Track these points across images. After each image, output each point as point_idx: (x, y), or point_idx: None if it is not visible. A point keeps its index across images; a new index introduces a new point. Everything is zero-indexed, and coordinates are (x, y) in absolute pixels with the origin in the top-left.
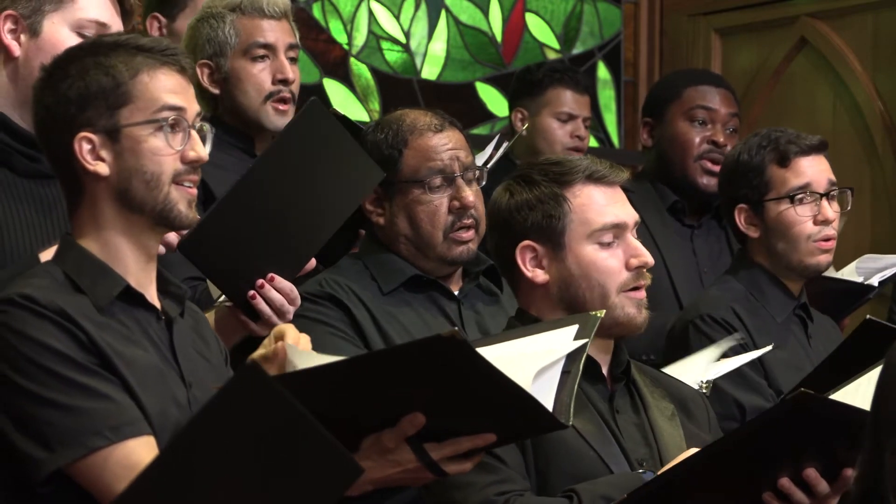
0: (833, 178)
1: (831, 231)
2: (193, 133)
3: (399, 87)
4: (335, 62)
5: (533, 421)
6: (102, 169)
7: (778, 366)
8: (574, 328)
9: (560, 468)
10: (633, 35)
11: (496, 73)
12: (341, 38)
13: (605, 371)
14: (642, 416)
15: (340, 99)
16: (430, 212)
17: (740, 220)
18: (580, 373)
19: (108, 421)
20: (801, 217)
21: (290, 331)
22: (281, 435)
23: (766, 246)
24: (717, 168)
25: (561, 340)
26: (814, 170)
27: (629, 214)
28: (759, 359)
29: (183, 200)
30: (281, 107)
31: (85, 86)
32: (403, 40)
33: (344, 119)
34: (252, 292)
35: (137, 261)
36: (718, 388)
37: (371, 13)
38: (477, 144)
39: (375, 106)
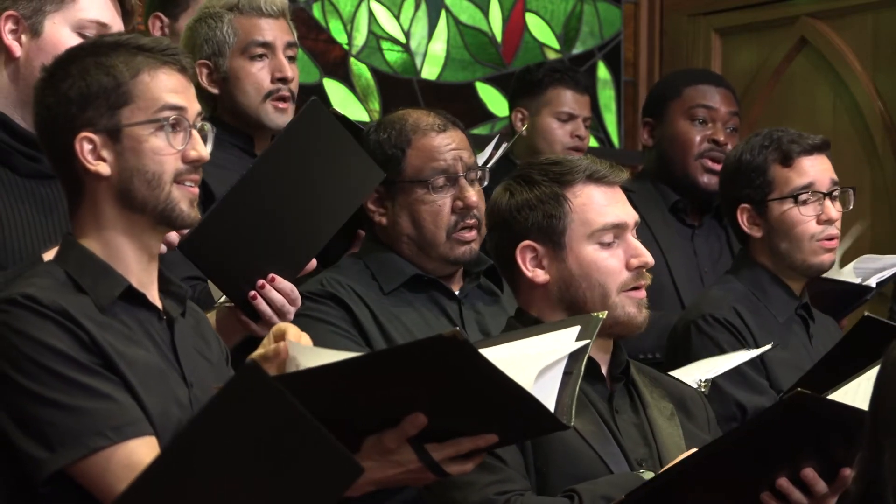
0: (835, 177)
1: (834, 230)
2: (194, 132)
3: (399, 87)
4: (335, 62)
5: (534, 422)
6: (103, 169)
7: (779, 366)
8: (576, 329)
9: (560, 468)
10: (633, 35)
11: (496, 73)
12: (341, 38)
13: (604, 371)
14: (641, 416)
15: (340, 99)
16: (433, 212)
17: (743, 220)
18: (582, 374)
19: (109, 421)
20: (805, 217)
21: (291, 329)
22: (281, 435)
23: (768, 245)
24: (717, 166)
25: (563, 341)
26: (816, 169)
27: (629, 214)
28: (761, 359)
29: (185, 200)
30: (281, 105)
31: (86, 86)
32: (403, 40)
33: (344, 119)
34: (253, 292)
35: (139, 260)
36: (719, 389)
37: (371, 13)
38: (477, 144)
39: (375, 106)
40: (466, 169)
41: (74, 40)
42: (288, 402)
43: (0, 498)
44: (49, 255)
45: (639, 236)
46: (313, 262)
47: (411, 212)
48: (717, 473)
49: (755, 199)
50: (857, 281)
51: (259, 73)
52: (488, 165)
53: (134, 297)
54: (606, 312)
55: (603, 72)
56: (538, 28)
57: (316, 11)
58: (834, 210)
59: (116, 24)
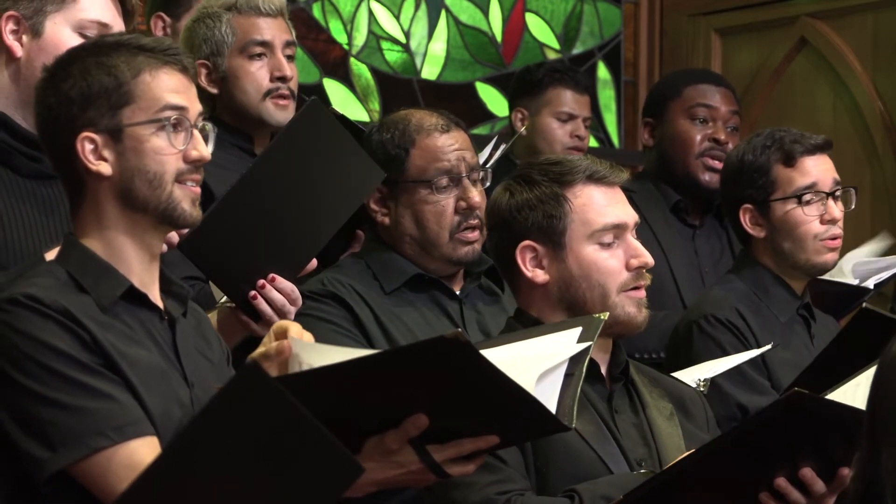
0: (837, 177)
1: (838, 230)
2: (196, 132)
3: (399, 87)
4: (335, 62)
5: (536, 423)
6: (105, 169)
7: (781, 366)
8: (577, 331)
9: (559, 468)
10: (633, 35)
11: (496, 73)
12: (341, 38)
13: (603, 371)
14: (641, 416)
15: (340, 99)
16: (436, 212)
17: (745, 220)
18: (583, 375)
19: (111, 421)
20: (809, 217)
21: (293, 326)
22: (281, 434)
23: (771, 245)
24: (718, 165)
25: (564, 343)
26: (819, 169)
27: (629, 215)
28: (763, 360)
29: (186, 199)
30: (281, 101)
31: (87, 86)
32: (403, 40)
33: (343, 119)
34: (253, 292)
35: (141, 260)
36: (721, 390)
37: (371, 13)
38: (477, 144)
39: (375, 106)
40: (470, 169)
41: (75, 40)
42: (288, 401)
43: (1, 498)
44: (51, 255)
45: (640, 236)
46: (314, 262)
47: (414, 212)
48: (715, 473)
49: (758, 199)
50: (856, 282)
51: (258, 73)
52: (487, 166)
53: (135, 297)
54: (608, 314)
55: (603, 72)
56: (538, 28)
57: (316, 11)
58: (837, 210)
59: (117, 25)
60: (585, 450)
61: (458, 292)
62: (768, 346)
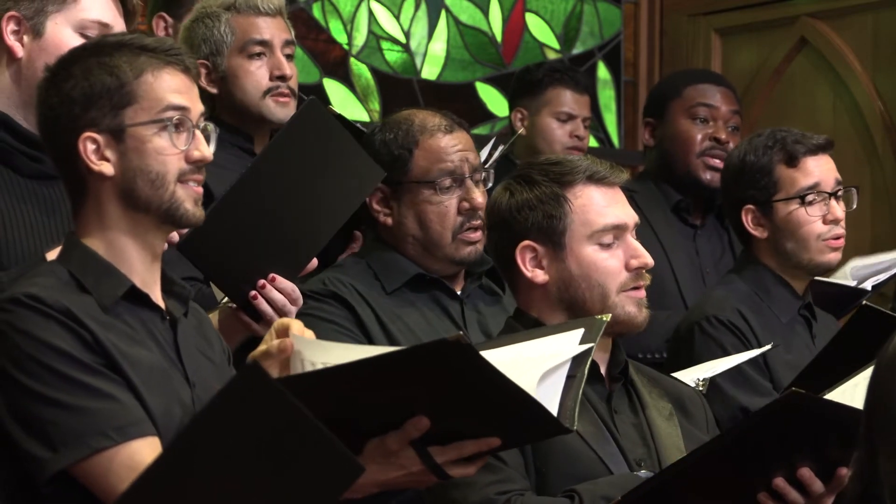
0: (839, 176)
1: (840, 230)
2: (198, 133)
3: (399, 87)
4: (335, 62)
5: (537, 426)
6: (107, 169)
7: (783, 368)
8: (580, 332)
9: (559, 468)
10: (633, 35)
11: (496, 73)
12: (341, 38)
13: (603, 371)
14: (640, 416)
15: (340, 99)
16: (439, 212)
17: (747, 220)
18: (585, 377)
19: (112, 421)
20: (812, 217)
21: (295, 323)
22: (282, 434)
23: (773, 246)
24: (719, 164)
25: (566, 344)
26: (822, 169)
27: (629, 215)
28: (764, 361)
29: (189, 199)
30: (281, 98)
31: (89, 86)
32: (403, 40)
33: (341, 119)
34: (253, 292)
35: (143, 260)
36: (723, 392)
37: (371, 13)
38: (477, 144)
39: (375, 106)
40: (472, 170)
41: (76, 41)
42: (288, 401)
43: (2, 497)
44: (51, 255)
45: (641, 236)
46: (314, 262)
47: (417, 212)
48: (714, 473)
49: (760, 199)
50: (853, 284)
51: (257, 72)
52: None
53: (137, 297)
54: (610, 315)
55: (603, 72)
56: (538, 28)
57: (316, 11)
58: (840, 210)
59: (118, 25)
60: (585, 450)
61: (459, 292)
62: (768, 346)
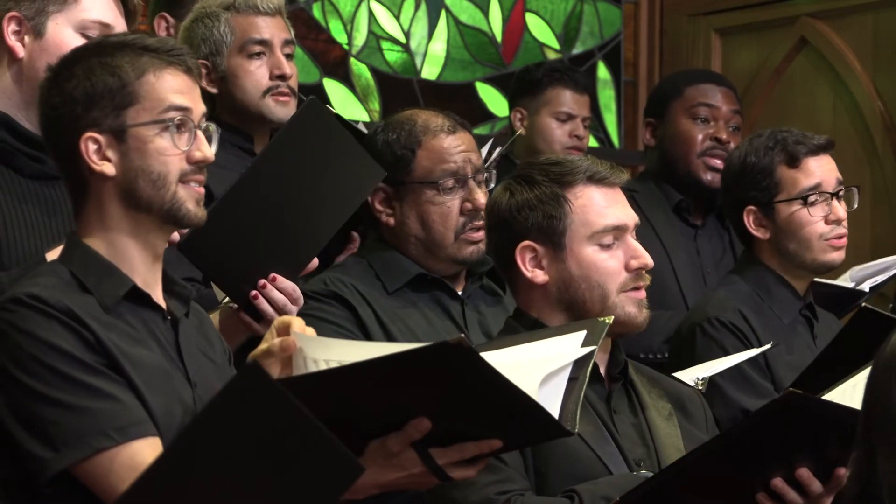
0: (840, 176)
1: (843, 230)
2: (199, 133)
3: (399, 87)
4: (335, 62)
5: (539, 428)
6: (108, 169)
7: (785, 369)
8: (582, 334)
9: (559, 468)
10: (633, 35)
11: (496, 73)
12: (341, 38)
13: (602, 371)
14: (640, 417)
15: (340, 99)
16: (442, 213)
17: (749, 221)
18: (587, 380)
19: (113, 422)
20: (814, 217)
21: (296, 321)
22: (282, 434)
23: (775, 247)
24: (719, 164)
25: (568, 347)
26: (823, 169)
27: (629, 216)
28: (766, 363)
29: (191, 199)
30: (282, 98)
31: (91, 86)
32: (403, 40)
33: (340, 120)
34: (254, 292)
35: (144, 260)
36: (725, 394)
37: (371, 13)
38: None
39: (375, 106)
40: (475, 171)
41: (77, 41)
42: (289, 401)
43: (3, 497)
44: (51, 255)
45: (642, 236)
46: (315, 262)
47: (420, 213)
48: (712, 474)
49: (762, 200)
50: (852, 286)
51: (257, 71)
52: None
53: (138, 297)
54: (613, 318)
55: (603, 72)
56: (538, 28)
57: (316, 11)
58: (841, 210)
59: (119, 25)
60: (584, 450)
61: (460, 293)
62: (768, 346)
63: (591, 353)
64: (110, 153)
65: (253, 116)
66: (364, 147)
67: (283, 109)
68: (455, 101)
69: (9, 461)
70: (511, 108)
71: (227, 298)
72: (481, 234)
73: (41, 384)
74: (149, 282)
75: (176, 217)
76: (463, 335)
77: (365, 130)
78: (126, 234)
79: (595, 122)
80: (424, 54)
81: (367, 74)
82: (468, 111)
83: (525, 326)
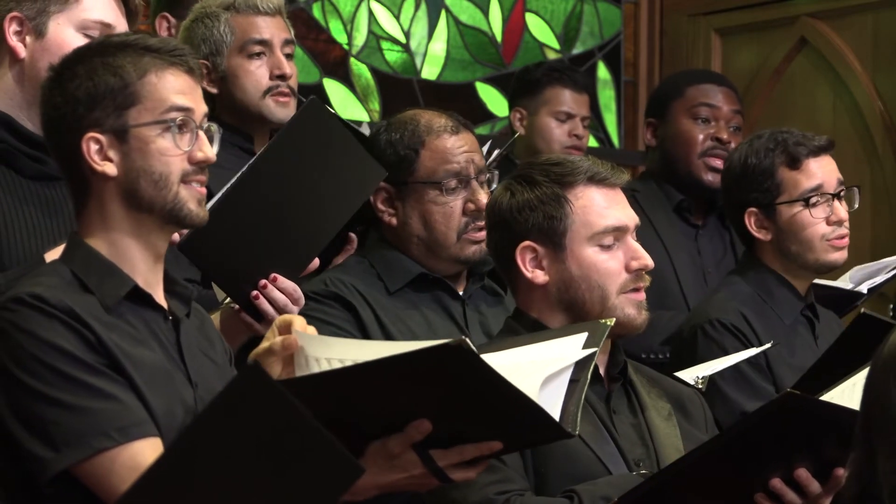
0: (840, 177)
1: (844, 230)
2: (201, 133)
3: (399, 87)
4: (335, 62)
5: (539, 430)
6: (110, 169)
7: (786, 371)
8: (583, 336)
9: (558, 468)
10: (633, 35)
11: (496, 73)
12: (341, 38)
13: (602, 371)
14: (639, 417)
15: (340, 99)
16: (445, 213)
17: (750, 223)
18: (588, 382)
19: (115, 422)
20: (816, 219)
21: (297, 319)
22: (282, 435)
23: (777, 248)
24: (720, 164)
25: (569, 348)
26: (824, 170)
27: (630, 217)
28: (768, 365)
29: (192, 199)
30: (282, 98)
31: (93, 86)
32: (403, 40)
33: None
34: (255, 292)
35: (145, 261)
36: (726, 397)
37: (371, 13)
38: None
39: (375, 106)
40: (478, 171)
41: (79, 41)
42: (289, 402)
43: (4, 497)
44: (50, 256)
45: (644, 236)
46: (316, 262)
47: (422, 213)
48: (711, 474)
49: (763, 202)
50: (850, 287)
51: (257, 71)
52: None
53: (140, 298)
54: (614, 320)
55: (603, 72)
56: (538, 28)
57: (316, 11)
58: (843, 210)
59: (121, 25)
60: (584, 450)
61: (461, 293)
62: (768, 345)
63: (593, 354)
64: (112, 153)
65: (253, 117)
66: (365, 148)
67: (282, 110)
68: (455, 101)
69: (9, 461)
70: (511, 108)
71: (227, 299)
72: (483, 234)
73: (42, 384)
74: (150, 282)
75: (178, 217)
76: (464, 337)
77: (366, 132)
78: (127, 235)
79: (595, 122)
80: (424, 54)
81: (367, 74)
82: (468, 111)
83: (525, 327)
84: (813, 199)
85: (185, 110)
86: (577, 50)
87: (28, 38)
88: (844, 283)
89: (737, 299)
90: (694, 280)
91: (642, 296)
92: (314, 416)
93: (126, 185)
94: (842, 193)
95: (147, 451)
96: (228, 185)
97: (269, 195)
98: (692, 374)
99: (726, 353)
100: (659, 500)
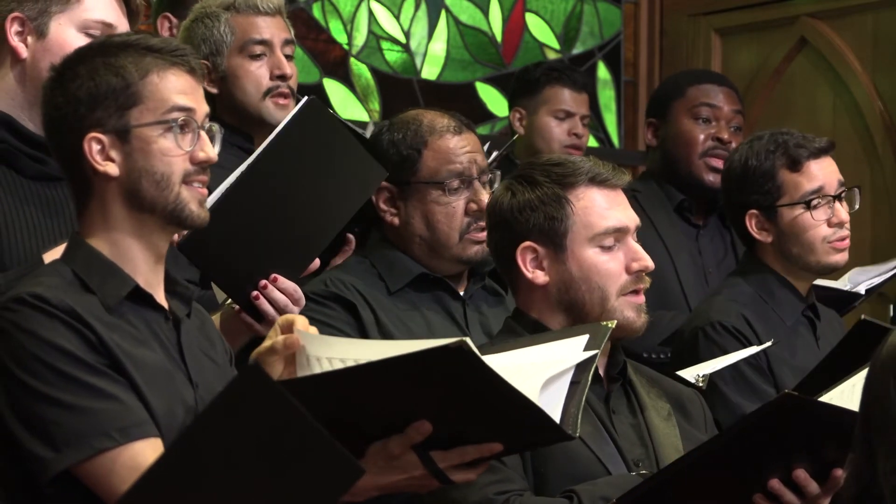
0: (841, 178)
1: (846, 232)
2: (203, 133)
3: (399, 87)
4: (335, 62)
5: (539, 432)
6: (112, 169)
7: (788, 373)
8: (584, 338)
9: (557, 468)
10: (633, 35)
11: (496, 73)
12: (341, 38)
13: (601, 371)
14: (638, 417)
15: (340, 99)
16: (448, 213)
17: (751, 225)
18: (589, 384)
19: (115, 422)
20: (817, 221)
21: (299, 319)
22: (282, 435)
23: (779, 250)
24: (721, 164)
25: (570, 350)
26: (825, 172)
27: (631, 218)
28: (769, 367)
29: (194, 200)
30: (281, 101)
31: (94, 86)
32: (403, 40)
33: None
34: (255, 293)
35: (147, 261)
36: (727, 400)
37: (371, 13)
38: None
39: (375, 106)
40: (480, 171)
41: (80, 41)
42: (289, 402)
43: (4, 497)
44: (49, 256)
45: (645, 236)
46: (317, 262)
47: (425, 213)
48: (710, 474)
49: (764, 204)
50: (847, 288)
51: (258, 71)
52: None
53: (141, 298)
54: (616, 322)
55: (603, 72)
56: (538, 28)
57: (316, 11)
58: (844, 212)
59: (122, 25)
60: (583, 450)
61: (462, 293)
62: (769, 343)
63: (594, 357)
64: (114, 153)
65: (252, 118)
66: (366, 148)
67: (282, 112)
68: (455, 101)
69: (10, 461)
70: (510, 108)
71: (228, 299)
72: (485, 234)
73: (43, 384)
74: (151, 282)
75: (179, 218)
76: (465, 338)
77: (367, 134)
78: (129, 235)
79: (595, 122)
80: (424, 54)
81: (367, 74)
82: (468, 111)
83: (524, 327)
84: (814, 202)
85: (187, 110)
86: (577, 50)
87: (30, 39)
88: (844, 284)
89: (738, 301)
90: (695, 280)
91: (642, 299)
92: (314, 416)
93: (128, 185)
94: (842, 194)
95: (147, 451)
96: (227, 184)
97: (269, 195)
98: (693, 373)
99: (726, 354)
100: (658, 501)
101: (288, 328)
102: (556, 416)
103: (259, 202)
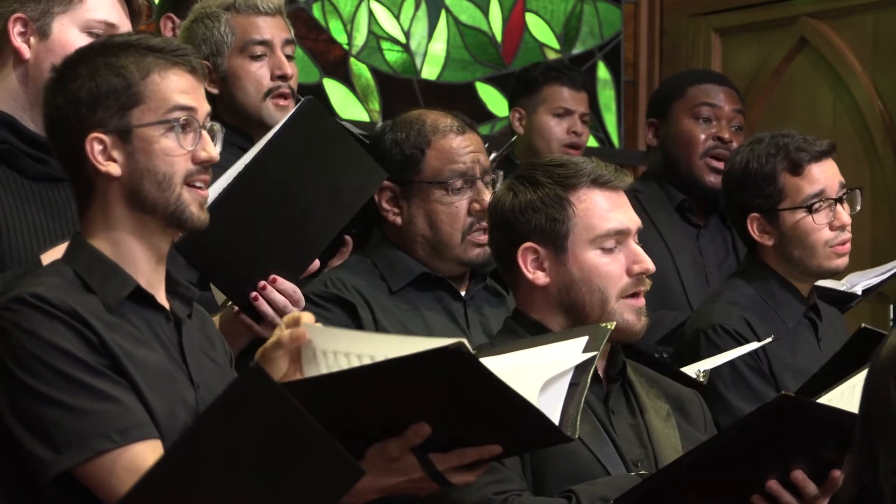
0: (842, 180)
1: (847, 235)
2: (204, 133)
3: (399, 87)
4: (335, 62)
5: (539, 434)
6: (114, 169)
7: (789, 376)
8: (583, 340)
9: (556, 469)
10: (633, 35)
11: (496, 73)
12: (341, 38)
13: (600, 372)
14: (638, 417)
15: (340, 99)
16: (450, 213)
17: (752, 228)
18: (588, 386)
19: (116, 424)
20: (819, 224)
21: (305, 314)
22: (283, 436)
23: (780, 252)
24: (722, 165)
25: (569, 352)
26: (826, 175)
27: (632, 220)
28: (770, 369)
29: (195, 202)
30: (281, 102)
31: (96, 86)
32: (403, 40)
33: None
34: (254, 294)
35: (148, 261)
36: (728, 402)
37: (371, 13)
38: None
39: (375, 106)
40: (483, 172)
41: (83, 41)
42: (289, 403)
43: (4, 497)
44: (47, 257)
45: (646, 237)
46: (316, 263)
47: (428, 212)
48: (709, 475)
49: (765, 208)
50: (844, 288)
51: (258, 72)
52: None
53: (142, 298)
54: (615, 324)
55: (603, 72)
56: (538, 28)
57: (316, 11)
58: (845, 215)
59: (124, 25)
60: (582, 451)
61: (463, 293)
62: (769, 339)
63: (593, 358)
64: (116, 154)
65: (253, 119)
66: (366, 150)
67: (282, 114)
68: (455, 101)
69: (10, 461)
70: (510, 108)
71: (227, 301)
72: (487, 237)
73: (43, 385)
74: (152, 283)
75: (179, 220)
76: (462, 340)
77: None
78: (130, 235)
79: (595, 123)
80: (424, 54)
81: (367, 74)
82: (468, 111)
83: (524, 327)
84: (815, 205)
85: (189, 110)
86: (577, 50)
87: (32, 39)
88: (841, 286)
89: (739, 303)
90: (696, 280)
91: (642, 301)
92: (314, 418)
93: (130, 185)
94: (844, 197)
95: (147, 453)
96: (225, 185)
97: (268, 196)
98: (694, 368)
99: None
100: (657, 501)
101: (294, 325)
102: (555, 417)
103: (258, 203)
